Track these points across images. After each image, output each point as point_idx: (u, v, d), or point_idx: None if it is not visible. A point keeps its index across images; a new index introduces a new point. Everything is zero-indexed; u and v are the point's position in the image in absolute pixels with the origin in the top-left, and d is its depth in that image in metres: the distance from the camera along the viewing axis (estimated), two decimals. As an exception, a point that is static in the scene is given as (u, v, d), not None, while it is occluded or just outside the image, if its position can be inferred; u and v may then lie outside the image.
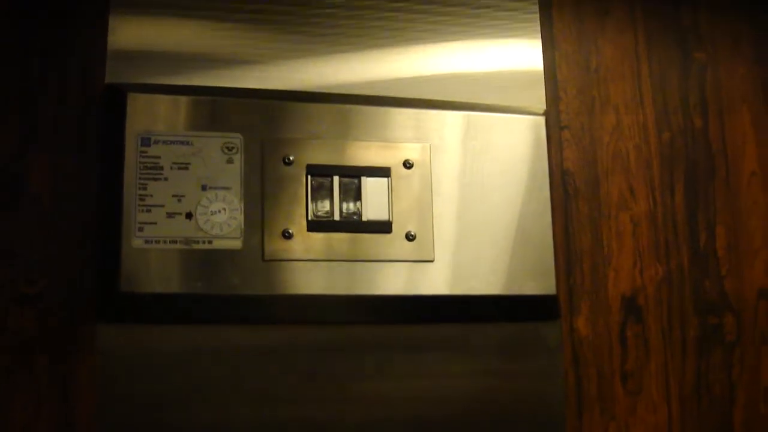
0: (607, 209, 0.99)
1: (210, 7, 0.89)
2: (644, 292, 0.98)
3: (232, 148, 0.83)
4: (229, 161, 0.83)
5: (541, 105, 0.97)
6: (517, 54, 0.97)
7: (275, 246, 0.82)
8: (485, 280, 0.88)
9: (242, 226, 0.82)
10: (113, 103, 0.83)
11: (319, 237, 0.83)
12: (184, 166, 0.82)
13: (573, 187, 0.98)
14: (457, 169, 0.89)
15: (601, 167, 1.00)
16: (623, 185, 1.00)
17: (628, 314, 0.97)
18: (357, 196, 0.85)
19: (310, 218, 0.83)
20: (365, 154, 0.87)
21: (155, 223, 0.80)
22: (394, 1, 0.94)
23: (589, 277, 0.96)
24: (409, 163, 0.87)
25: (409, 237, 0.86)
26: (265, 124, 0.85)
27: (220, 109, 0.84)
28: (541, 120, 0.94)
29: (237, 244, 0.81)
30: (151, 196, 0.80)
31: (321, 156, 0.85)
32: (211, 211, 0.81)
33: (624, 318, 0.97)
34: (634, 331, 0.96)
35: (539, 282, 0.90)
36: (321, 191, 0.85)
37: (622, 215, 0.99)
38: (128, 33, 0.86)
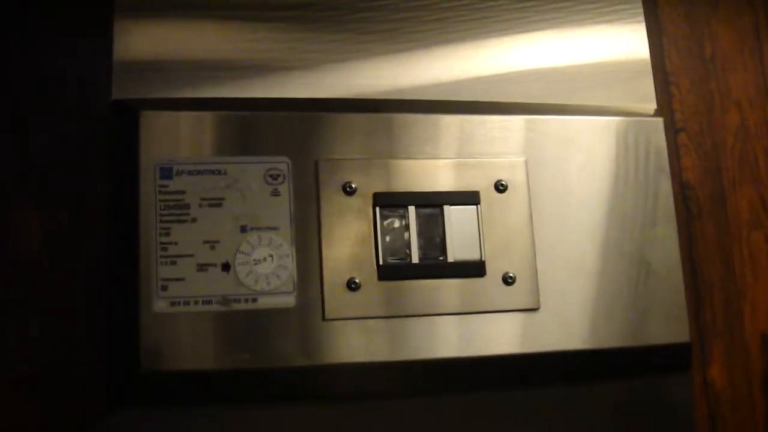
0: (737, 229, 0.80)
1: (238, 5, 0.70)
2: (786, 328, 0.79)
3: (278, 176, 0.64)
4: (275, 193, 0.64)
5: (651, 103, 0.78)
6: (618, 42, 0.78)
7: (338, 301, 0.64)
8: (603, 330, 0.69)
9: (295, 278, 0.63)
10: (122, 125, 0.65)
11: (393, 286, 0.65)
12: (217, 203, 0.63)
13: (696, 203, 0.79)
14: (559, 190, 0.70)
15: (727, 177, 0.80)
16: (754, 197, 0.81)
17: (770, 357, 0.78)
18: (439, 231, 0.67)
19: (381, 263, 0.65)
20: (447, 176, 0.68)
21: (183, 279, 0.61)
22: (466, -18, 0.75)
23: (721, 315, 0.78)
24: (503, 185, 0.68)
25: (508, 280, 0.67)
26: (318, 143, 0.66)
27: (260, 126, 0.66)
28: (658, 123, 0.75)
29: (289, 300, 0.63)
30: (176, 243, 0.62)
31: (391, 181, 0.67)
32: (255, 260, 0.63)
33: (766, 362, 0.77)
34: (780, 378, 0.77)
35: (669, 327, 0.71)
36: (393, 227, 0.66)
37: (754, 235, 0.80)
38: (139, 39, 0.67)
